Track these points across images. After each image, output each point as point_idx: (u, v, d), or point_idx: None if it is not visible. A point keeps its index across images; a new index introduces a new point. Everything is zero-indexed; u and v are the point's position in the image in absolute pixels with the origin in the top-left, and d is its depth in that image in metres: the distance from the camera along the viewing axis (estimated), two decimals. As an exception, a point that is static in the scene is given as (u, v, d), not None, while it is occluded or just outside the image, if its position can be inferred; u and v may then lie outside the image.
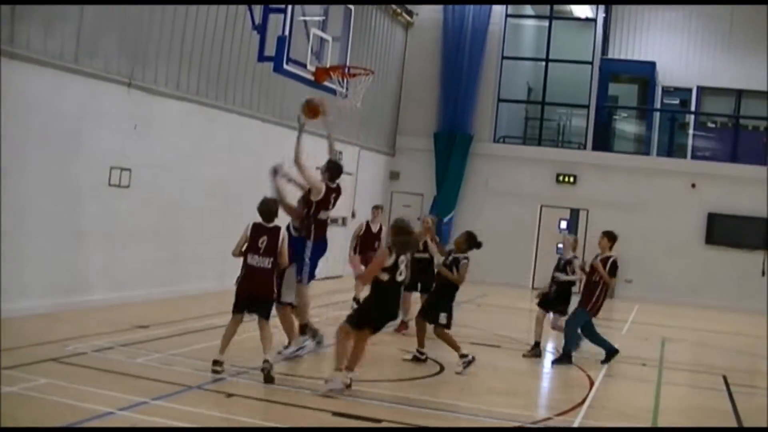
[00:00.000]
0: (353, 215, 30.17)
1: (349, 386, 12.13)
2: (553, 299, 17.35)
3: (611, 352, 16.61)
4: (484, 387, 13.86)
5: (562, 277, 17.40)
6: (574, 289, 17.48)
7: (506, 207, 32.69)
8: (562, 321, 17.08)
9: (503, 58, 34.59)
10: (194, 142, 20.59)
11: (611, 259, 16.74)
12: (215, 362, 12.47)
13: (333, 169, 16.43)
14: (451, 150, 33.69)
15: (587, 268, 16.99)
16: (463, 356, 14.66)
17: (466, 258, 15.44)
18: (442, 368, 14.78)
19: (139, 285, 17.63)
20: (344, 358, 12.13)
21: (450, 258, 15.51)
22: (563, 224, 33.22)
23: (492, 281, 30.47)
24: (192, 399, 11.00)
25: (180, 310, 17.62)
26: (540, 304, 17.39)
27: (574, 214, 32.98)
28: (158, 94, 19.22)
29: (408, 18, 34.31)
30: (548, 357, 16.90)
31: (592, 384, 14.46)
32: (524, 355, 16.67)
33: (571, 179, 33.23)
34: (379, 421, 10.75)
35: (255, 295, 12.73)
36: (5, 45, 15.05)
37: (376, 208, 21.53)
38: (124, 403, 10.47)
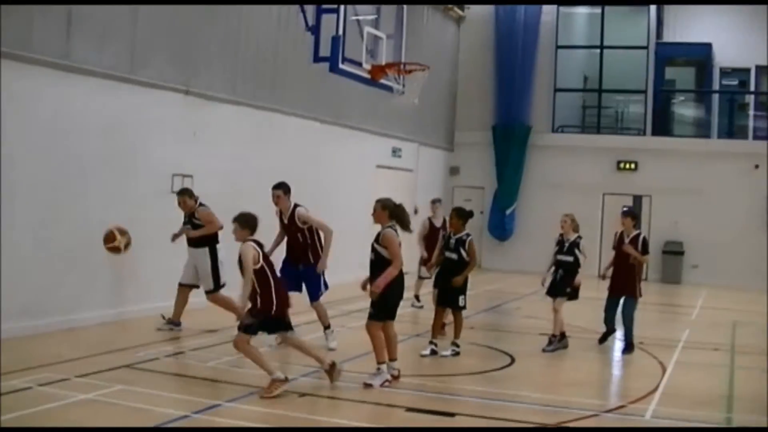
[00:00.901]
0: (416, 211, 30.15)
1: (397, 377, 12.35)
2: (558, 283, 16.43)
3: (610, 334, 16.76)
4: (556, 377, 13.81)
5: (565, 258, 16.41)
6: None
7: (568, 197, 32.38)
8: (559, 303, 16.33)
9: (557, 47, 34.39)
10: (252, 145, 20.64)
11: (641, 237, 16.36)
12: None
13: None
14: (510, 142, 33.59)
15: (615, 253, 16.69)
16: (455, 344, 14.96)
17: (468, 234, 15.05)
18: (512, 360, 14.71)
19: (203, 292, 17.67)
20: (383, 350, 12.20)
21: (453, 241, 15.00)
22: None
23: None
24: (264, 400, 11.02)
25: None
26: (549, 293, 16.61)
27: (637, 201, 32.69)
28: (215, 100, 19.30)
29: (459, 12, 34.25)
30: (618, 346, 16.73)
31: (664, 371, 14.33)
32: (544, 350, 15.89)
33: (632, 166, 32.99)
34: (452, 415, 10.71)
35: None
36: (62, 59, 15.21)
37: (434, 202, 21.31)
38: (199, 406, 10.52)
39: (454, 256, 14.89)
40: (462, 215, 15.14)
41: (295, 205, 15.12)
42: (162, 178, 17.75)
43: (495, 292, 25.89)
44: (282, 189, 15.25)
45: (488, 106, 34.30)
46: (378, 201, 12.66)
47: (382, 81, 17.52)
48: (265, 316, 11.40)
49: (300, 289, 14.86)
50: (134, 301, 16.90)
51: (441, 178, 34.21)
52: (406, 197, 30.15)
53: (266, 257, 11.85)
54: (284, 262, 14.94)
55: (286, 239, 15.25)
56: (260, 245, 11.78)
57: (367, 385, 11.87)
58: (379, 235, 12.32)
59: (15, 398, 10.58)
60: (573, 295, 16.43)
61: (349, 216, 23.17)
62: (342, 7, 16.39)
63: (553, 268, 16.61)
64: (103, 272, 16.25)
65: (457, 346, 14.92)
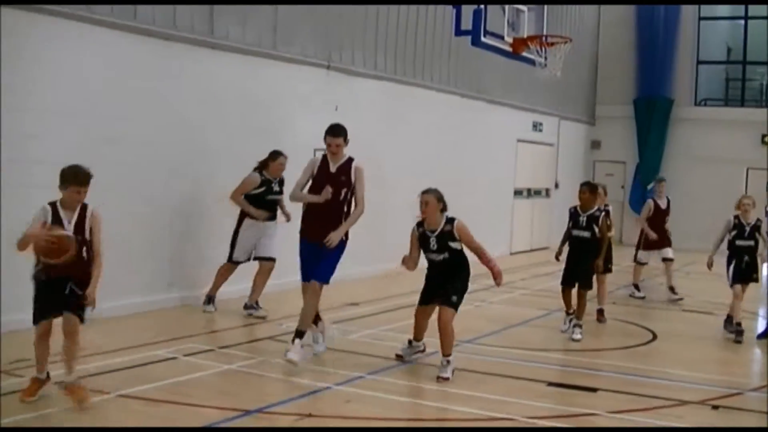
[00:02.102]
0: (556, 186, 30.03)
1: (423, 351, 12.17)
2: (745, 271, 15.05)
3: None
4: (699, 354, 13.61)
5: (746, 244, 15.25)
6: None
7: (711, 172, 31.87)
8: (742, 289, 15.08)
9: (700, 18, 33.74)
10: (393, 120, 20.73)
11: None
12: None
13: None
14: (652, 116, 33.12)
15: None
16: (579, 326, 14.11)
17: (601, 210, 14.61)
18: (654, 336, 14.57)
19: (344, 265, 17.82)
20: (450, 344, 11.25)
21: (583, 218, 14.36)
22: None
23: (700, 248, 29.81)
24: (405, 373, 11.11)
25: (384, 288, 17.79)
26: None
27: (783, 175, 32.01)
28: (356, 75, 19.42)
29: (602, -16, 33.88)
30: (762, 323, 16.42)
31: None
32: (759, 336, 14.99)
33: (778, 140, 32.25)
34: (594, 390, 10.66)
35: None
36: (206, 36, 15.48)
37: (659, 181, 20.46)
38: (341, 378, 10.64)
39: (585, 234, 14.34)
40: (594, 189, 14.66)
41: (350, 158, 12.27)
42: (305, 153, 17.89)
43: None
44: (344, 136, 12.30)
45: (630, 79, 33.85)
46: (428, 193, 11.33)
47: (524, 54, 17.43)
48: None
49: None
50: (276, 274, 17.09)
51: (582, 153, 33.94)
52: (547, 172, 30.04)
53: None
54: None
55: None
56: None
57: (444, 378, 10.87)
58: (443, 233, 11.15)
59: (161, 367, 10.84)
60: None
61: (489, 191, 23.16)
62: (483, -19, 16.35)
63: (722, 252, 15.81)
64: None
65: (581, 327, 14.14)
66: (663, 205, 19.39)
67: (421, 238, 11.38)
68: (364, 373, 10.93)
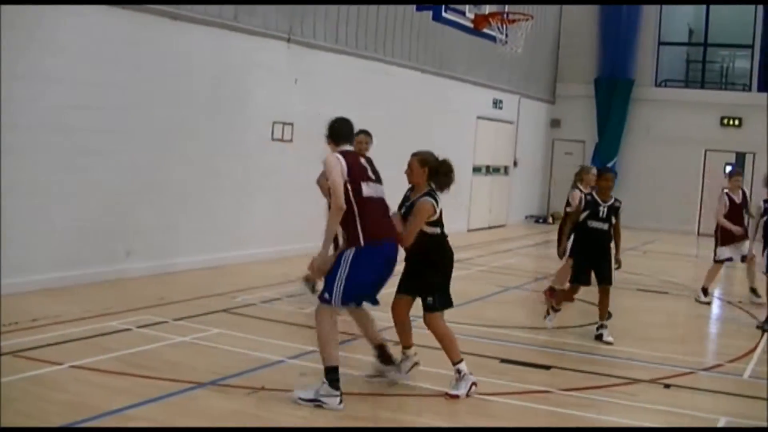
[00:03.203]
0: (515, 163, 30.10)
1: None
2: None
3: None
4: (652, 333, 13.69)
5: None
6: None
7: (670, 152, 32.06)
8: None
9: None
10: (353, 94, 20.65)
11: None
12: None
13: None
14: (612, 96, 33.22)
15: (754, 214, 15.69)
16: (604, 325, 12.75)
17: (620, 201, 13.27)
18: (610, 315, 14.62)
19: (303, 238, 17.79)
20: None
21: (603, 209, 12.95)
22: (729, 169, 32.46)
23: (657, 227, 30.08)
24: (359, 347, 11.10)
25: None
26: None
27: (740, 158, 32.20)
28: (317, 48, 19.35)
29: (565, -38, 33.88)
30: (716, 303, 16.54)
31: (764, 332, 14.13)
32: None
33: (736, 122, 32.36)
34: (548, 367, 10.70)
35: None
36: (168, 7, 15.39)
37: (733, 175, 17.99)
38: (295, 352, 10.64)
39: (604, 226, 12.81)
40: (615, 177, 13.13)
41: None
42: (264, 125, 17.88)
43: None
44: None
45: (591, 58, 33.95)
46: (415, 155, 9.95)
47: (485, 30, 17.40)
48: None
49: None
50: (234, 247, 17.08)
51: (542, 131, 34.02)
52: (507, 150, 30.07)
53: None
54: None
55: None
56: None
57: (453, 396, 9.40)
58: (412, 203, 9.67)
59: (114, 338, 10.80)
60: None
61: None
62: (446, -44, 16.30)
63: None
64: (204, 219, 16.48)
65: (605, 327, 12.76)
66: (738, 199, 17.23)
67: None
68: (318, 347, 10.91)
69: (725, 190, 17.21)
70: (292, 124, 18.35)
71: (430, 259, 9.66)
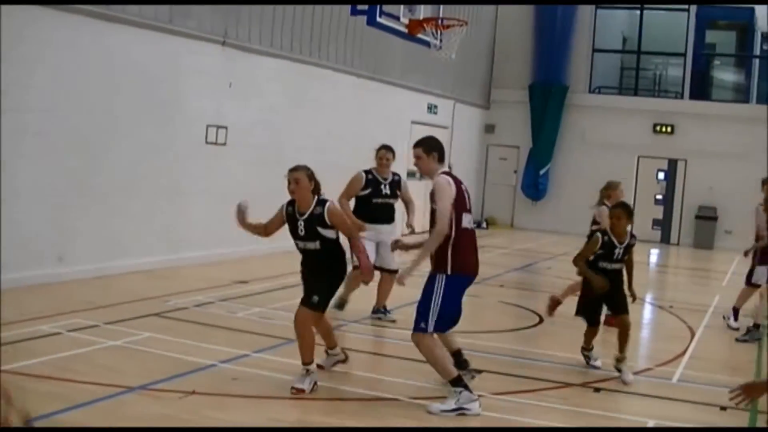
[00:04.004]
0: (450, 168, 30.14)
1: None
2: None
3: None
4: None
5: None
6: None
7: (603, 158, 32.31)
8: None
9: (597, 6, 34.10)
10: (289, 98, 20.66)
11: None
12: None
13: None
14: (547, 101, 33.44)
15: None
16: (622, 359, 11.23)
17: (634, 237, 11.35)
18: (541, 319, 14.73)
19: (237, 242, 17.75)
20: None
21: (619, 250, 11.14)
22: (661, 175, 32.88)
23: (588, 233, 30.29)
24: (292, 351, 11.06)
25: (278, 265, 17.73)
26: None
27: (672, 164, 32.58)
28: (252, 52, 19.30)
29: (500, -32, 34.06)
30: (647, 308, 16.68)
31: (693, 335, 14.29)
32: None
33: (669, 129, 32.71)
34: (479, 371, 10.73)
35: None
36: (102, 9, 15.27)
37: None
38: (226, 356, 10.60)
39: (618, 266, 11.24)
40: (631, 214, 11.33)
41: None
42: (198, 129, 17.81)
43: (527, 251, 25.90)
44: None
45: (526, 64, 34.15)
46: (297, 170, 9.71)
47: (420, 36, 17.45)
48: None
49: None
50: (167, 251, 17.00)
51: (476, 136, 34.16)
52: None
53: None
54: None
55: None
56: None
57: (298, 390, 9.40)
58: (313, 216, 9.61)
59: (45, 342, 10.71)
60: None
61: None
62: (382, -40, 16.34)
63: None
64: (137, 222, 16.39)
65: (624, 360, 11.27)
66: None
67: (290, 220, 9.75)
68: (250, 352, 10.90)
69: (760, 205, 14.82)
70: (226, 128, 18.30)
71: (336, 261, 9.84)
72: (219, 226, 17.98)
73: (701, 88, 34.13)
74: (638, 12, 34.27)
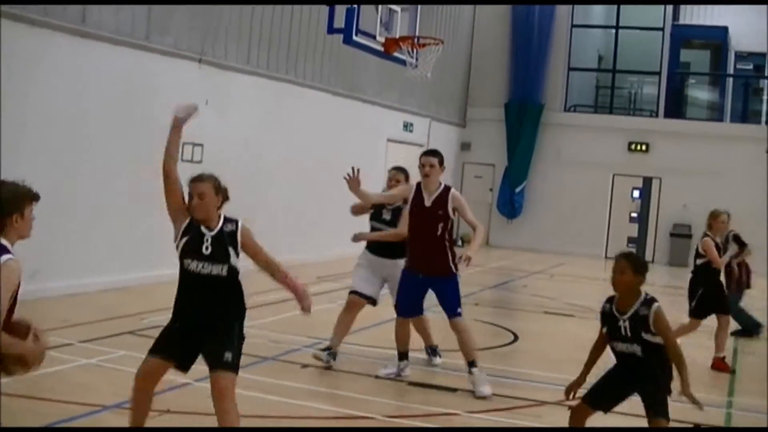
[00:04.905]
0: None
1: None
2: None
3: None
4: (559, 356, 13.81)
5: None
6: None
7: (578, 176, 32.46)
8: None
9: (573, 26, 34.31)
10: (265, 116, 20.68)
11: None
12: None
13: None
14: (522, 120, 33.54)
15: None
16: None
17: (650, 300, 7.93)
18: (516, 337, 14.75)
19: (213, 259, 17.80)
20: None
21: (625, 322, 7.98)
22: (636, 193, 33.02)
23: (565, 251, 30.38)
24: (268, 370, 11.09)
25: (254, 283, 17.66)
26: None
27: (647, 182, 32.73)
28: (229, 69, 19.33)
29: (477, -12, 34.18)
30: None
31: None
32: None
33: (644, 147, 32.89)
34: (454, 390, 10.75)
35: None
36: (77, 25, 15.26)
37: None
38: (201, 374, 10.54)
39: (634, 348, 7.99)
40: (639, 268, 8.00)
41: (447, 187, 11.16)
42: (174, 147, 17.79)
43: (502, 269, 25.95)
44: (438, 158, 11.40)
45: (502, 82, 34.28)
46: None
47: (396, 54, 17.50)
48: None
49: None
50: (143, 268, 16.97)
51: (452, 154, 34.15)
52: (416, 172, 30.13)
53: None
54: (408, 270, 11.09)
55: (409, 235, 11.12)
56: None
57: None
58: (223, 234, 7.87)
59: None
60: None
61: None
62: (358, -21, 16.41)
63: None
64: (112, 239, 16.36)
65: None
66: None
67: (192, 233, 7.98)
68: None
69: None
70: (202, 146, 18.28)
71: (235, 299, 8.20)
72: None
73: (676, 106, 34.37)
74: (614, 31, 34.50)
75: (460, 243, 32.07)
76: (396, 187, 11.80)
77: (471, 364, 10.85)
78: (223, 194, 8.00)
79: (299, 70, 22.20)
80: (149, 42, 16.96)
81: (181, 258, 7.91)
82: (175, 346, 7.87)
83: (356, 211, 12.04)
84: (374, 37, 16.77)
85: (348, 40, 16.34)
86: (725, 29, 33.98)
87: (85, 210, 15.70)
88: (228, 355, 7.58)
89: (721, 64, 35.24)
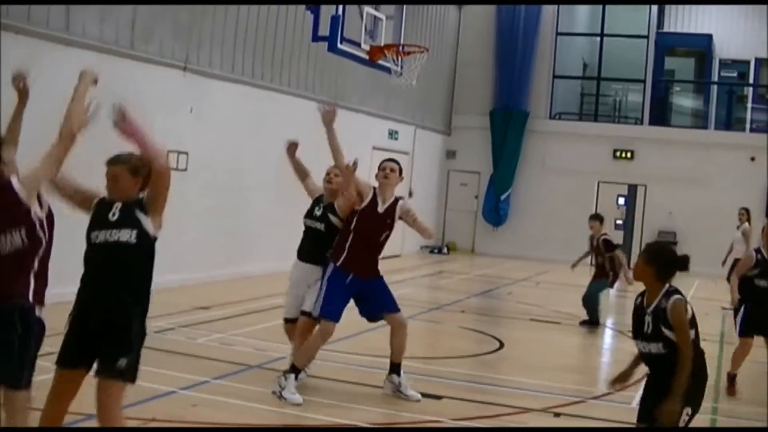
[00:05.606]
0: (410, 194, 30.22)
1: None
2: None
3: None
4: (544, 362, 13.83)
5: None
6: None
7: (563, 184, 32.49)
8: None
9: (558, 34, 34.35)
10: (250, 124, 20.65)
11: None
12: None
13: None
14: (507, 127, 33.54)
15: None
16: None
17: (670, 292, 7.63)
18: (501, 344, 14.75)
19: (199, 267, 17.72)
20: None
21: (648, 316, 7.54)
22: (621, 200, 33.07)
23: (550, 258, 30.39)
24: (253, 378, 11.07)
25: (239, 291, 17.72)
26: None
27: (632, 190, 32.78)
28: (213, 77, 19.31)
29: (461, -4, 34.23)
30: (608, 333, 16.79)
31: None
32: None
33: (629, 155, 32.93)
34: (439, 397, 10.74)
35: None
36: (62, 33, 15.22)
37: None
38: (186, 383, 10.55)
39: (653, 347, 7.65)
40: (655, 260, 7.71)
41: (396, 198, 11.16)
42: (159, 155, 17.75)
43: (487, 276, 25.96)
44: (399, 167, 11.59)
45: (487, 90, 34.27)
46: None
47: (381, 62, 17.52)
48: None
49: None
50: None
51: (437, 162, 34.23)
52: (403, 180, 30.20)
53: None
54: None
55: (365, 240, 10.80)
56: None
57: None
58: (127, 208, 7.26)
59: None
60: None
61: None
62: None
63: None
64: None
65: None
66: None
67: (100, 207, 7.57)
68: (210, 378, 10.86)
69: None
70: (187, 153, 18.25)
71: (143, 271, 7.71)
72: (180, 250, 17.95)
73: (660, 114, 34.46)
74: (598, 39, 34.56)
75: (446, 251, 32.15)
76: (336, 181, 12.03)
77: (400, 366, 10.72)
78: (143, 175, 7.24)
79: (284, 77, 22.17)
80: (133, 50, 16.92)
81: (87, 234, 7.25)
82: (74, 351, 7.25)
83: (293, 157, 12.85)
84: (359, 45, 16.80)
85: (333, 48, 16.36)
86: (709, 37, 34.06)
87: (69, 220, 15.59)
88: (122, 362, 6.80)
89: (705, 71, 35.33)
